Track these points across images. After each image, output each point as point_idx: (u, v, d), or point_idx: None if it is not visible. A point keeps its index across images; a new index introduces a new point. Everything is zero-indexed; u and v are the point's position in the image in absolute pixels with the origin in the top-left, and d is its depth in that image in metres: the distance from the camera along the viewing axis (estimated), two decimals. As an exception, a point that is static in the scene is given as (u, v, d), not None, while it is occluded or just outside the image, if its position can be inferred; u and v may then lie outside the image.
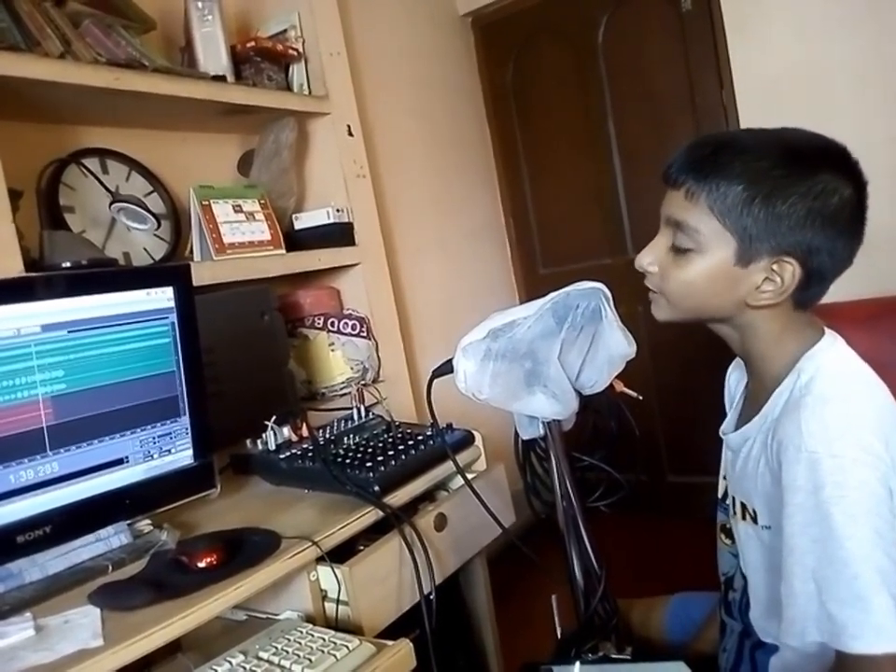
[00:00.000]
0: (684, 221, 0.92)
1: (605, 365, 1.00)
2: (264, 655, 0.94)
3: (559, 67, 3.02)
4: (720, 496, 1.09)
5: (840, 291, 0.97)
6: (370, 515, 1.18)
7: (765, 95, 2.54)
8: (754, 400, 0.99)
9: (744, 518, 0.96)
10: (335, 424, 1.52)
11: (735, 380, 1.13)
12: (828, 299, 0.96)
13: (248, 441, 1.43)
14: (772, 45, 2.52)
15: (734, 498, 1.00)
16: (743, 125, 2.60)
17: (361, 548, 1.18)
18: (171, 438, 1.21)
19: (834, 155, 0.90)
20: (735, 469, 0.99)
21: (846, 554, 0.79)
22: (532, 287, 3.23)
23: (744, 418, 1.00)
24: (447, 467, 1.34)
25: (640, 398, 1.08)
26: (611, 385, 1.04)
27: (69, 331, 1.07)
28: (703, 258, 0.91)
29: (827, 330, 0.95)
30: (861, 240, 0.92)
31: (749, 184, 0.87)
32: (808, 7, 2.45)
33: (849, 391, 0.88)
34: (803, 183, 0.86)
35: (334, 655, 0.92)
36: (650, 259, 0.97)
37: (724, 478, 1.07)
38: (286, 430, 1.42)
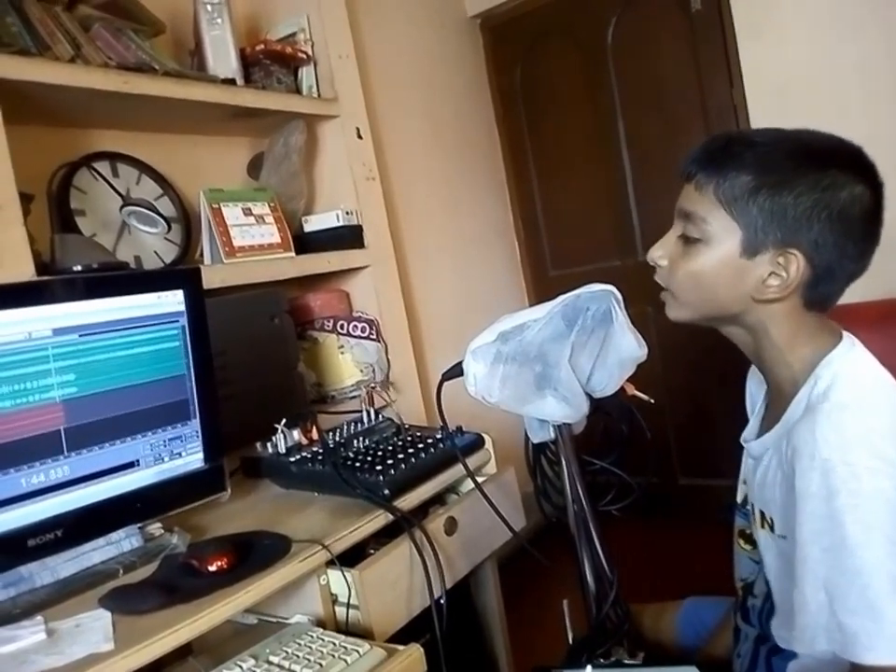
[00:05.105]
0: (693, 212, 0.92)
1: (616, 368, 1.00)
2: (275, 660, 0.94)
3: (568, 68, 3.01)
4: (739, 500, 1.07)
5: (851, 292, 0.96)
6: (380, 519, 1.18)
7: (776, 96, 2.52)
8: (774, 408, 0.98)
9: (762, 527, 0.95)
10: (345, 427, 1.52)
11: (755, 385, 1.11)
12: (839, 300, 0.95)
13: (258, 444, 1.43)
14: (782, 45, 2.50)
15: (753, 506, 0.99)
16: (753, 126, 2.58)
17: (371, 552, 1.18)
18: (181, 441, 1.21)
19: (847, 153, 0.90)
20: (756, 476, 0.97)
21: (858, 563, 0.78)
22: (541, 289, 3.22)
23: (765, 426, 0.99)
24: (457, 470, 1.34)
25: (652, 401, 1.08)
26: (622, 388, 1.04)
27: (80, 335, 1.07)
28: (710, 248, 0.91)
29: (845, 334, 0.94)
30: (875, 241, 0.90)
31: (756, 174, 0.88)
32: (819, 8, 2.43)
33: (867, 398, 0.86)
34: (811, 176, 0.86)
35: (345, 660, 0.92)
36: (660, 253, 0.98)
37: (744, 482, 1.06)
38: (296, 433, 1.42)
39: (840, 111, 2.37)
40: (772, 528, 0.93)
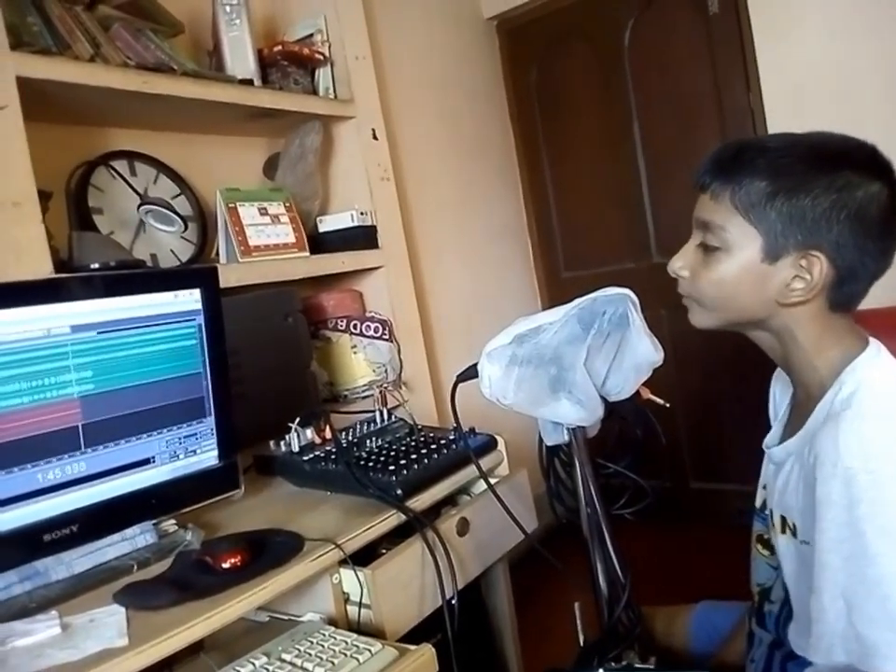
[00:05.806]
0: (711, 221, 0.92)
1: (631, 372, 1.00)
2: (287, 657, 0.94)
3: (584, 71, 3.01)
4: (757, 505, 1.07)
5: (872, 296, 0.95)
6: (392, 519, 1.18)
7: (793, 98, 2.51)
8: (800, 413, 0.97)
9: (783, 531, 0.95)
10: (357, 426, 1.52)
11: (780, 390, 1.10)
12: (863, 299, 0.94)
13: (272, 443, 1.43)
14: (800, 47, 2.49)
15: (772, 511, 0.98)
16: (770, 128, 2.57)
17: (384, 551, 1.18)
18: (196, 438, 1.21)
19: (861, 153, 0.90)
20: (778, 482, 0.97)
21: (878, 572, 0.78)
22: (554, 291, 3.22)
23: (789, 431, 0.98)
24: (470, 471, 1.34)
25: (668, 405, 1.07)
26: (638, 392, 1.03)
27: (98, 332, 1.07)
28: (730, 256, 0.91)
29: (872, 340, 0.93)
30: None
31: (772, 179, 0.88)
32: (836, 10, 2.42)
33: (891, 406, 0.86)
34: (825, 177, 0.86)
35: (357, 659, 0.92)
36: (681, 263, 0.97)
37: (764, 487, 1.05)
38: (309, 432, 1.43)
39: (857, 113, 2.35)
40: (794, 533, 0.92)
